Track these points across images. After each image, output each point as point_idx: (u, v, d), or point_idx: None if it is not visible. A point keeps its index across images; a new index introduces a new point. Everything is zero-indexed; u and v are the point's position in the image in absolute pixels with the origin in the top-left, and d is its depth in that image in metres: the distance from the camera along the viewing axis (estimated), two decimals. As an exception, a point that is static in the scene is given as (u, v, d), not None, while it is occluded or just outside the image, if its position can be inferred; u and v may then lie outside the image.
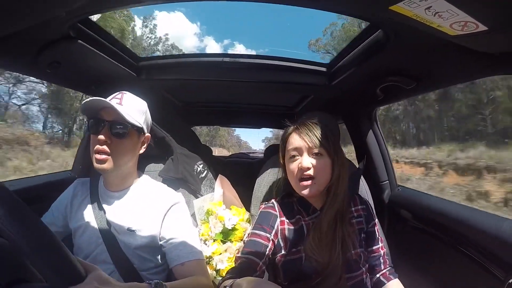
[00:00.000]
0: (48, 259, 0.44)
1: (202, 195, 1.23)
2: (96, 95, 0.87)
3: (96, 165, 0.83)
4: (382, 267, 0.91)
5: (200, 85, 1.42)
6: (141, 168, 1.05)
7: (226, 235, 1.09)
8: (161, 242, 0.88)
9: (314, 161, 0.82)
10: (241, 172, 2.13)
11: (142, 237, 0.86)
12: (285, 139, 0.90)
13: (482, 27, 0.55)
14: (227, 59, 1.22)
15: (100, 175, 0.94)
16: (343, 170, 0.85)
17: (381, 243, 0.93)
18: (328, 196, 0.85)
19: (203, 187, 1.27)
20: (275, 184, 1.10)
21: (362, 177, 1.21)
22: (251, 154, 4.31)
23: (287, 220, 0.88)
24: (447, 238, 1.04)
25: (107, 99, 0.83)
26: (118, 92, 0.89)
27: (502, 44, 0.63)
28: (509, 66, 0.70)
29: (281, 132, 1.17)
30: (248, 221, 1.14)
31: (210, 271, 1.00)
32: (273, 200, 0.94)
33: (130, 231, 0.86)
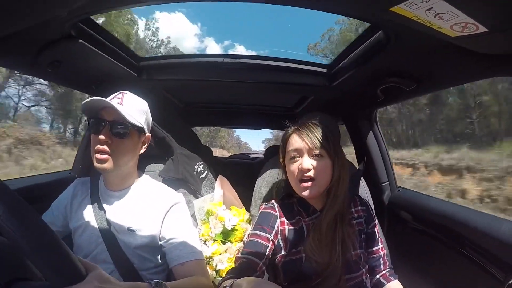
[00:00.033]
0: (49, 257, 0.44)
1: (202, 196, 1.22)
2: (96, 95, 0.87)
3: (96, 164, 0.83)
4: (382, 268, 0.91)
5: (200, 86, 1.42)
6: (141, 168, 1.04)
7: (226, 235, 1.08)
8: (161, 242, 0.88)
9: (314, 163, 0.82)
10: (241, 172, 2.13)
11: (142, 237, 0.86)
12: (285, 140, 0.90)
13: (483, 29, 0.55)
14: (227, 60, 1.22)
15: (100, 174, 0.94)
16: (343, 171, 0.85)
17: (381, 244, 0.93)
18: (329, 197, 0.85)
19: (203, 188, 1.26)
20: (275, 184, 1.10)
21: (362, 178, 1.21)
22: (251, 155, 4.30)
23: (287, 221, 0.88)
24: (447, 239, 1.04)
25: (108, 99, 0.83)
26: (118, 92, 0.89)
27: (503, 45, 0.63)
28: (509, 67, 0.70)
29: (280, 133, 1.17)
30: (248, 221, 1.14)
31: (210, 271, 0.99)
32: (273, 201, 0.94)
33: (130, 230, 0.86)
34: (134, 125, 0.86)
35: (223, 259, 1.02)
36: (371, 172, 1.47)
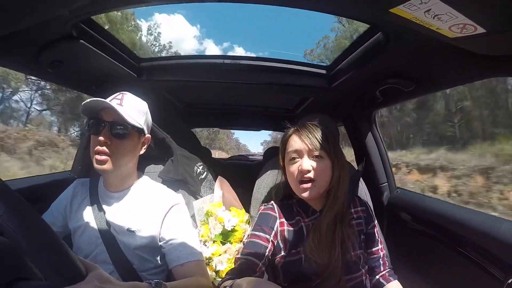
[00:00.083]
0: (49, 257, 0.44)
1: (201, 197, 1.22)
2: (96, 95, 0.87)
3: (96, 165, 0.83)
4: (382, 268, 0.91)
5: (200, 87, 1.42)
6: (141, 169, 1.04)
7: (225, 236, 1.08)
8: (160, 243, 0.88)
9: (314, 164, 0.82)
10: (240, 174, 2.13)
11: (141, 238, 0.86)
12: (285, 141, 0.90)
13: (481, 30, 0.56)
14: (227, 61, 1.22)
15: (100, 175, 0.94)
16: (343, 172, 0.85)
17: (381, 244, 0.93)
18: (328, 198, 0.85)
19: (202, 189, 1.26)
20: (274, 185, 1.10)
21: (361, 179, 1.21)
22: (250, 157, 4.30)
23: (287, 222, 0.88)
24: (446, 239, 1.05)
25: (108, 100, 0.83)
26: (118, 93, 0.89)
27: (501, 46, 0.64)
28: (508, 68, 0.71)
29: (279, 135, 1.17)
30: (248, 222, 1.14)
31: (209, 272, 0.99)
32: (272, 202, 0.94)
33: (130, 231, 0.85)
34: (133, 126, 0.86)
35: (223, 260, 1.02)
36: (370, 173, 1.47)
